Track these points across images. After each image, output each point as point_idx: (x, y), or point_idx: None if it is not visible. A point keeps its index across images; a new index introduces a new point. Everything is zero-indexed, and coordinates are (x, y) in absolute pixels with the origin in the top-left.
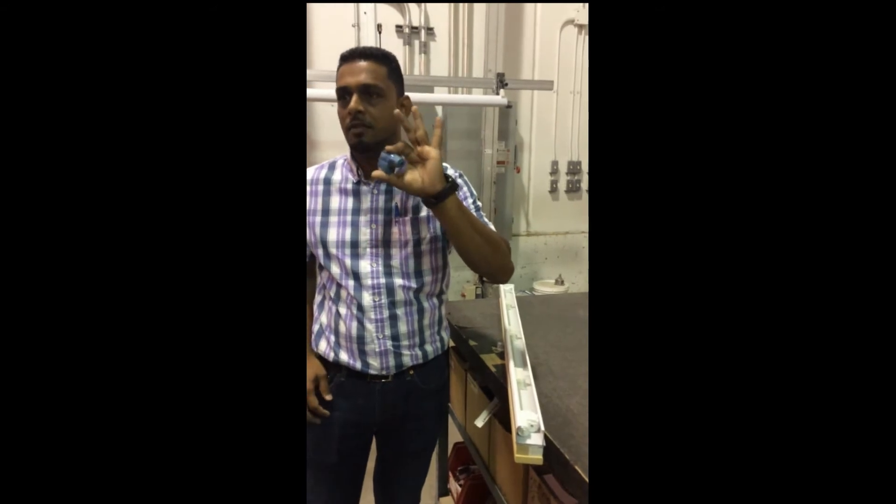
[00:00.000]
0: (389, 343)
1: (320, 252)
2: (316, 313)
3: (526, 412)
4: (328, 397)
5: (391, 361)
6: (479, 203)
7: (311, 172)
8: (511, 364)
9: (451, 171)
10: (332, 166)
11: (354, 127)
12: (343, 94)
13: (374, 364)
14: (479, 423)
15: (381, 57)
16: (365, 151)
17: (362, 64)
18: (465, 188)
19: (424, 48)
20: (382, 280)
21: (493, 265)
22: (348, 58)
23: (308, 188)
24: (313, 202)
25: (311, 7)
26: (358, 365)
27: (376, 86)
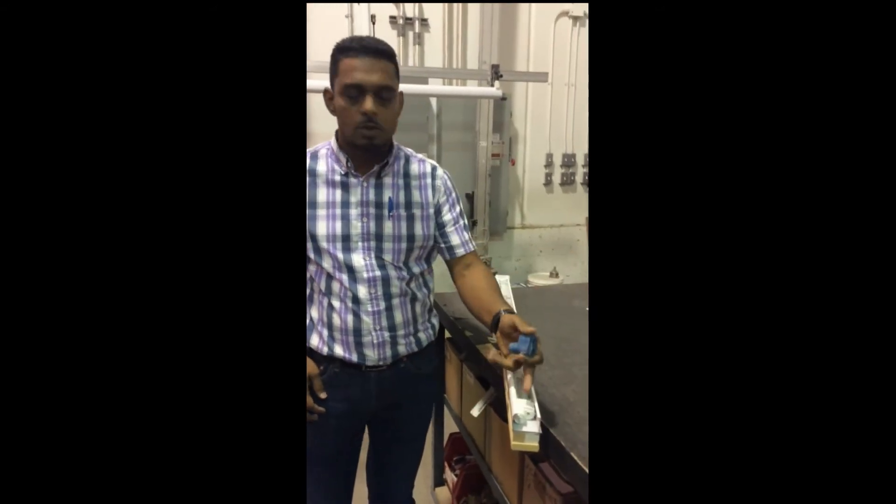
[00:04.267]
0: (387, 334)
1: (309, 245)
2: None
3: (522, 401)
4: (323, 395)
5: (388, 352)
6: (461, 211)
7: None
8: None
9: (440, 172)
10: (314, 156)
11: (367, 129)
12: (353, 91)
13: (371, 355)
14: (476, 412)
15: (391, 55)
16: (372, 151)
17: (377, 62)
18: (452, 196)
19: (418, 39)
20: (378, 273)
21: None
22: (359, 51)
23: None
24: None
25: None
26: (354, 357)
27: (390, 87)
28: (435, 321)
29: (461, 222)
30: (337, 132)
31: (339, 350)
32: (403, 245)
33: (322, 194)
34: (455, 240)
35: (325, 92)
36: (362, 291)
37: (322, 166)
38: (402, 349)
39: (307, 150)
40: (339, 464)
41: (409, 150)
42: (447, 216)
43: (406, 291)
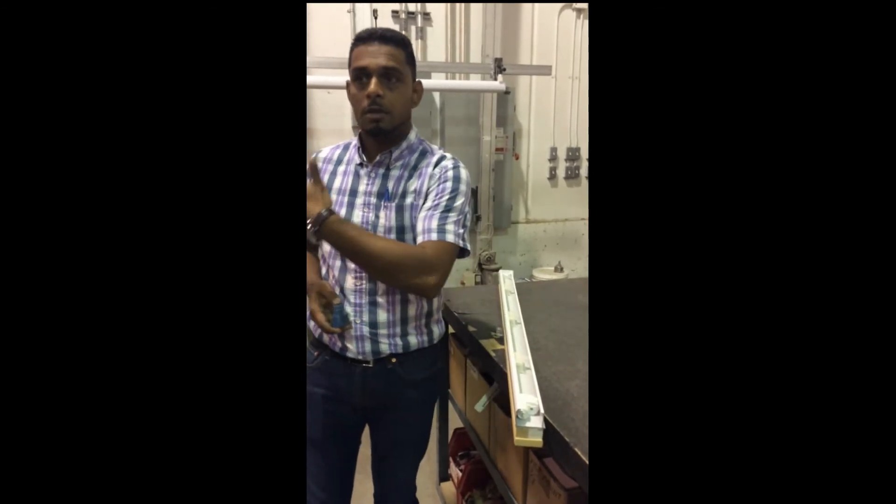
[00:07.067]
0: (366, 329)
1: None
2: None
3: (525, 395)
4: (337, 300)
5: (367, 347)
6: (454, 203)
7: (326, 151)
8: (510, 348)
9: (444, 162)
10: (346, 147)
11: (372, 112)
12: (360, 75)
13: (351, 348)
14: (479, 407)
15: (399, 41)
16: (379, 136)
17: (382, 47)
18: (445, 184)
19: (421, 33)
20: None
21: (395, 285)
22: (367, 39)
23: (322, 166)
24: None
25: None
26: (337, 346)
27: (396, 70)
28: (436, 327)
29: (441, 212)
30: None
31: (325, 336)
32: (392, 236)
33: (338, 182)
34: (419, 226)
35: (347, 85)
36: (349, 282)
37: (346, 155)
38: (384, 347)
39: (342, 142)
40: (330, 451)
41: (433, 147)
42: (427, 202)
43: (395, 290)
